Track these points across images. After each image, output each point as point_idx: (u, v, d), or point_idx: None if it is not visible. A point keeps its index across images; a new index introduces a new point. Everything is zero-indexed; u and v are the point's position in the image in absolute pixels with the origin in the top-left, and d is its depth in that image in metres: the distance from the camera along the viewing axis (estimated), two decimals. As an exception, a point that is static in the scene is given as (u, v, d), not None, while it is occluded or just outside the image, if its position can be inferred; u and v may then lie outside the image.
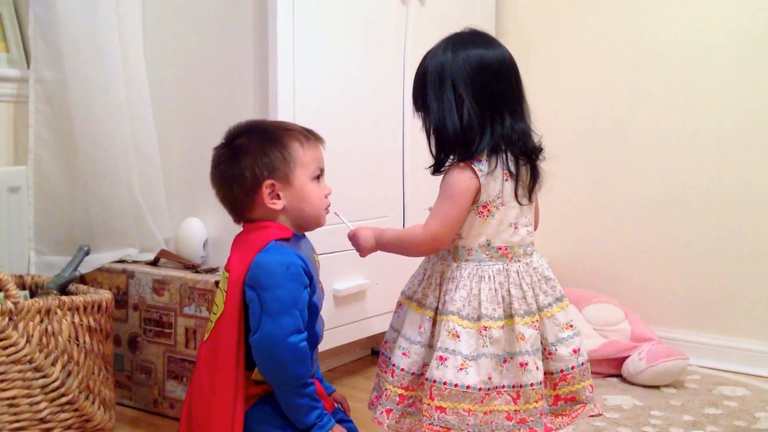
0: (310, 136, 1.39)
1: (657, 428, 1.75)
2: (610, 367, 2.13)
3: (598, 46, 2.46)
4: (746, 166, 2.24)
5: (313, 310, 1.36)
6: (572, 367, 1.36)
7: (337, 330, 1.95)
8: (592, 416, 1.41)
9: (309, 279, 1.32)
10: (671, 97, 2.34)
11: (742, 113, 2.24)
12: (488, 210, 1.32)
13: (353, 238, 1.45)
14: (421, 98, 1.38)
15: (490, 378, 1.29)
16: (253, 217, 1.37)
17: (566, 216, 2.51)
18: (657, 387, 2.04)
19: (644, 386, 2.04)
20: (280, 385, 1.30)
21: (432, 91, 1.34)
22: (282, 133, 1.36)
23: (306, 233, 1.43)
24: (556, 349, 1.35)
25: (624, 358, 2.11)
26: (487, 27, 2.45)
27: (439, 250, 1.36)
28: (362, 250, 1.44)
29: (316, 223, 1.41)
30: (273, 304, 1.27)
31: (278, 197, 1.34)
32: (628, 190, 2.42)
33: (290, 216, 1.37)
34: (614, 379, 2.11)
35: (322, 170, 1.40)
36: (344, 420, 1.46)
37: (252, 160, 1.33)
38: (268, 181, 1.33)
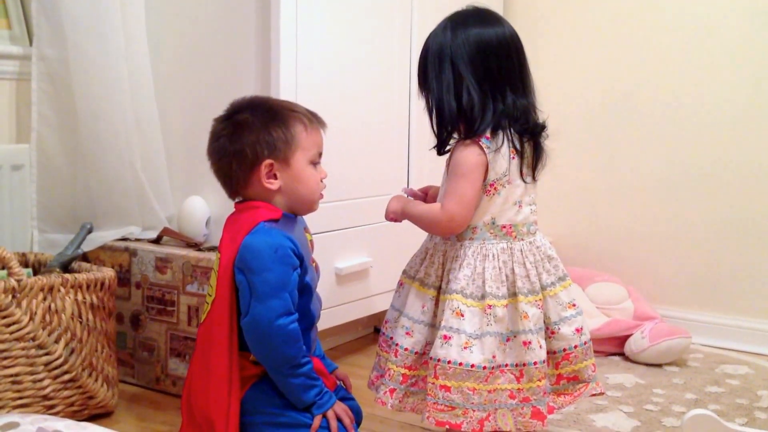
0: (314, 120, 1.39)
1: (659, 406, 1.76)
2: (613, 346, 2.13)
3: (606, 23, 2.43)
4: (751, 145, 2.23)
5: (307, 290, 1.36)
6: (575, 346, 1.36)
7: (340, 308, 1.95)
8: (594, 395, 1.41)
9: (299, 260, 1.32)
10: (678, 76, 2.32)
11: (750, 92, 2.22)
12: (495, 188, 1.31)
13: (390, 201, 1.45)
14: (423, 78, 1.38)
15: (494, 357, 1.29)
16: (247, 194, 1.37)
17: (570, 195, 2.51)
18: (659, 365, 2.04)
19: (647, 365, 2.05)
20: (273, 367, 1.31)
21: (432, 71, 1.34)
22: (287, 114, 1.35)
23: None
24: (559, 328, 1.35)
25: (626, 337, 2.11)
26: (495, 3, 2.43)
27: (457, 232, 1.34)
28: (386, 213, 1.44)
29: (309, 207, 1.41)
30: (262, 287, 1.27)
31: (275, 177, 1.34)
32: (632, 168, 2.41)
33: (285, 197, 1.36)
34: (616, 358, 2.11)
35: (320, 154, 1.40)
36: (346, 398, 1.46)
37: (254, 137, 1.32)
38: (268, 161, 1.33)
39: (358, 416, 1.45)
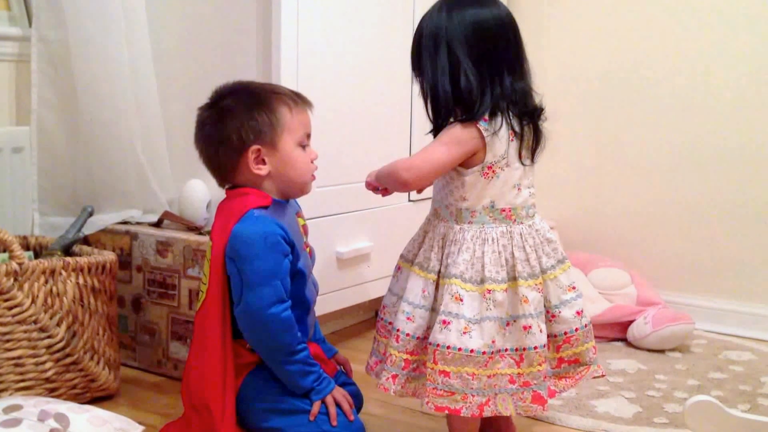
0: (298, 101, 1.37)
1: (661, 392, 1.75)
2: (616, 331, 2.12)
3: (611, 1, 2.40)
4: (757, 128, 2.21)
5: (300, 276, 1.35)
6: (575, 329, 1.36)
7: (340, 293, 1.95)
8: (595, 378, 1.41)
9: (290, 246, 1.31)
10: (684, 56, 2.30)
11: (758, 73, 2.19)
12: (493, 171, 1.30)
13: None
14: (418, 62, 1.35)
15: (493, 341, 1.28)
16: (237, 181, 1.36)
17: (573, 178, 2.49)
18: (662, 351, 2.04)
19: (649, 350, 2.04)
20: (268, 355, 1.31)
21: (427, 54, 1.32)
22: (270, 97, 1.34)
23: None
24: (560, 312, 1.34)
25: (629, 322, 2.10)
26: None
27: (410, 187, 1.34)
28: (366, 182, 1.44)
29: (301, 190, 1.40)
30: (252, 275, 1.27)
31: (263, 162, 1.33)
32: (635, 152, 2.39)
33: (275, 182, 1.36)
34: (619, 343, 2.11)
35: (309, 135, 1.39)
36: (347, 383, 1.46)
37: (239, 123, 1.32)
38: (254, 146, 1.32)
39: (358, 401, 1.45)
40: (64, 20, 1.83)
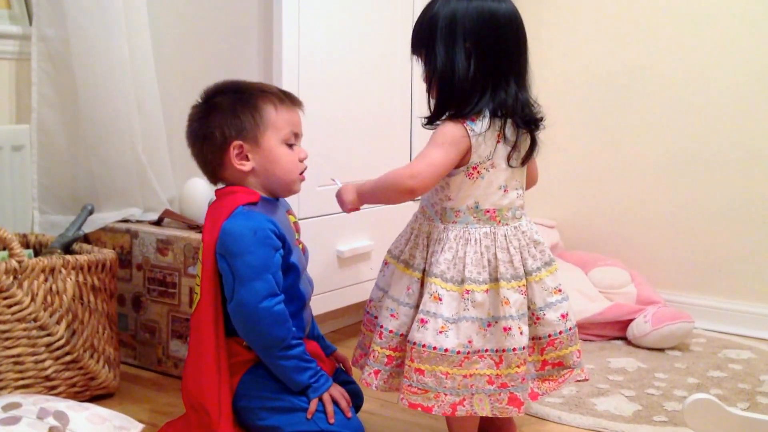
0: (285, 99, 1.38)
1: (661, 391, 1.75)
2: (615, 330, 2.12)
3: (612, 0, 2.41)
4: (757, 129, 2.21)
5: (293, 270, 1.36)
6: (560, 332, 1.36)
7: (341, 291, 1.95)
8: (578, 381, 1.41)
9: (281, 240, 1.32)
10: (685, 56, 2.30)
11: (758, 75, 2.20)
12: (478, 171, 1.30)
13: (337, 196, 1.43)
14: (428, 43, 1.33)
15: (470, 342, 1.28)
16: (225, 177, 1.38)
17: (573, 178, 2.49)
18: (662, 350, 2.04)
19: (649, 349, 2.04)
20: (263, 350, 1.31)
21: (441, 40, 1.30)
22: (256, 95, 1.36)
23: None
24: (544, 314, 1.34)
25: (629, 321, 2.10)
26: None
27: (416, 194, 1.31)
28: (344, 205, 1.41)
29: (288, 188, 1.40)
30: (244, 270, 1.28)
31: (246, 159, 1.34)
32: (636, 152, 2.39)
33: (260, 179, 1.36)
34: (619, 342, 2.11)
35: (297, 134, 1.39)
36: (347, 381, 1.46)
37: (222, 119, 1.33)
38: (236, 142, 1.33)
39: (358, 399, 1.45)
40: (65, 18, 1.83)
